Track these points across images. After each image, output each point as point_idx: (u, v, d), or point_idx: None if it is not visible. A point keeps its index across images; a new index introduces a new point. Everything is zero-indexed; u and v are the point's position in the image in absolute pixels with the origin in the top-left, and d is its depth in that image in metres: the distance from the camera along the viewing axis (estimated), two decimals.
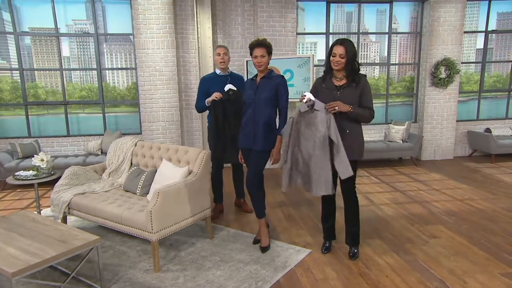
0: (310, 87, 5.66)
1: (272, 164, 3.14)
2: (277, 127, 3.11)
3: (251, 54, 3.04)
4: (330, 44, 2.91)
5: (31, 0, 5.80)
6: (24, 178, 3.76)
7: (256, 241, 3.30)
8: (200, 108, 3.75)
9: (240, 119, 3.26)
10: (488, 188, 4.94)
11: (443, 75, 6.50)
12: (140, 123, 6.17)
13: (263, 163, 3.15)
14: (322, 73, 2.92)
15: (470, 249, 3.15)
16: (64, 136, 6.08)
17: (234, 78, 3.81)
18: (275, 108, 3.10)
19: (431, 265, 2.89)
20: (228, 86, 3.52)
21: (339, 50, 2.69)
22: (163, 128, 5.99)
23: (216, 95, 3.48)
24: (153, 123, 5.95)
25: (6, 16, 5.75)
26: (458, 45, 6.54)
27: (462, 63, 6.78)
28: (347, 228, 3.08)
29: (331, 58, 2.76)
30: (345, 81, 2.80)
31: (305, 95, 2.66)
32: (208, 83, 3.72)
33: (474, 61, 7.09)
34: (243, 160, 3.32)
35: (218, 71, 3.80)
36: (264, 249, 3.14)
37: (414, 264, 2.91)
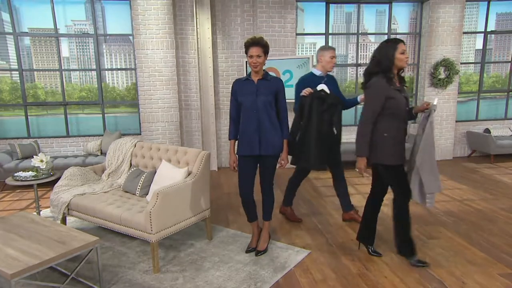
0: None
1: (279, 167, 3.07)
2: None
3: (246, 53, 2.88)
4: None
5: (31, 1, 5.81)
6: (23, 179, 3.76)
7: (250, 250, 3.16)
8: (297, 109, 3.46)
9: (323, 122, 3.15)
10: (487, 189, 4.94)
11: (442, 76, 6.51)
12: (140, 124, 6.18)
13: (275, 168, 3.05)
14: (374, 75, 2.68)
15: (469, 250, 3.15)
16: (64, 137, 6.08)
17: (330, 78, 3.61)
18: (275, 111, 2.97)
19: (430, 265, 2.89)
20: (321, 86, 3.31)
21: (405, 48, 2.63)
22: (163, 128, 5.99)
23: (306, 91, 3.28)
24: (153, 123, 5.95)
25: (6, 16, 5.75)
26: (457, 46, 6.54)
27: (461, 63, 6.79)
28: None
29: (401, 56, 2.61)
30: (398, 82, 2.71)
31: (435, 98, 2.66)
32: (309, 84, 3.41)
33: (473, 61, 7.10)
34: (236, 168, 3.06)
35: (318, 72, 3.55)
36: (260, 253, 3.10)
37: None
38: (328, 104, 3.24)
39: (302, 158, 3.29)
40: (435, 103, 2.72)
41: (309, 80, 3.50)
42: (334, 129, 3.34)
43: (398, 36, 6.81)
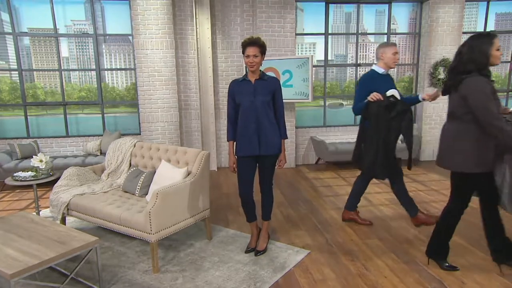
0: (310, 87, 5.71)
1: (278, 167, 3.07)
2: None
3: (243, 53, 2.86)
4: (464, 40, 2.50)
5: (30, 1, 5.81)
6: (23, 179, 3.76)
7: (250, 250, 3.16)
8: (359, 110, 3.29)
9: (391, 131, 3.01)
10: None
11: (441, 76, 6.51)
12: (139, 124, 6.17)
13: (274, 168, 3.06)
14: (464, 74, 2.44)
15: (468, 250, 3.16)
16: (63, 137, 6.08)
17: (390, 78, 3.47)
18: (273, 111, 2.96)
19: (429, 265, 2.89)
20: (392, 92, 3.12)
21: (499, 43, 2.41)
22: (162, 128, 5.99)
23: (374, 96, 3.08)
24: (152, 123, 5.95)
25: (5, 16, 5.75)
26: (456, 46, 6.47)
27: None
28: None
29: (496, 52, 2.42)
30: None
31: None
32: (373, 83, 3.26)
33: None
34: (235, 170, 3.05)
35: (380, 70, 3.35)
36: (260, 253, 3.10)
37: (412, 264, 2.92)
38: (397, 111, 3.04)
39: (366, 166, 3.19)
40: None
41: (373, 79, 3.32)
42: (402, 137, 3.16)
43: (397, 36, 6.84)
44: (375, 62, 3.45)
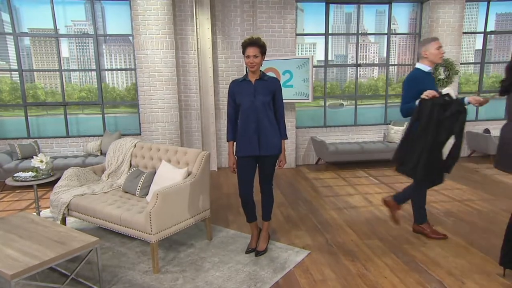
0: (310, 88, 5.71)
1: (278, 168, 3.07)
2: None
3: (243, 53, 2.86)
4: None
5: (31, 1, 5.81)
6: (23, 180, 3.76)
7: (250, 250, 3.16)
8: (408, 110, 3.13)
9: (442, 131, 2.86)
10: (487, 189, 4.95)
11: (442, 76, 6.51)
12: (140, 124, 6.18)
13: (274, 168, 3.05)
14: None
15: (468, 250, 3.16)
16: (64, 137, 6.09)
17: (433, 77, 3.35)
18: (273, 112, 2.97)
19: (429, 266, 2.89)
20: (447, 90, 2.96)
21: None
22: (163, 128, 6.00)
23: (430, 93, 2.90)
24: (153, 123, 5.95)
25: (6, 17, 5.76)
26: (457, 46, 6.55)
27: (461, 63, 6.80)
28: None
29: None
30: None
31: None
32: (422, 82, 3.11)
33: (473, 61, 7.11)
34: (235, 170, 3.04)
35: (427, 68, 3.18)
36: (260, 253, 3.11)
37: (412, 265, 2.92)
38: (452, 111, 2.86)
39: (408, 166, 3.01)
40: None
41: (420, 78, 3.14)
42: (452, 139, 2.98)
43: (397, 36, 6.84)
44: (417, 61, 3.24)
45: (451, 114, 2.87)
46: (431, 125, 2.88)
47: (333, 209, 4.26)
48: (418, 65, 3.23)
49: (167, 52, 5.79)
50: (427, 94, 2.92)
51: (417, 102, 3.01)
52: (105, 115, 6.24)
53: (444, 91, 2.97)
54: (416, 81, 3.13)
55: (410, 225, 3.70)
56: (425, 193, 3.42)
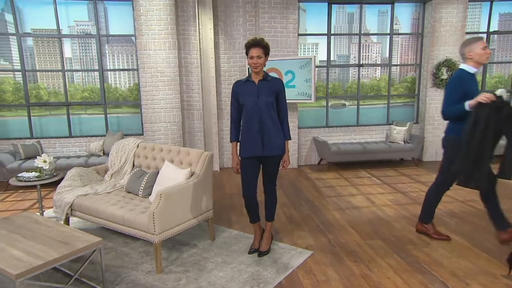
0: (312, 88, 5.71)
1: (282, 168, 3.08)
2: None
3: (246, 54, 2.87)
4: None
5: (34, 2, 5.82)
6: (27, 180, 3.77)
7: (253, 251, 3.16)
8: (454, 113, 3.00)
9: (494, 136, 2.77)
10: None
11: (444, 76, 6.50)
12: (142, 124, 6.19)
13: (278, 169, 3.05)
14: None
15: (472, 251, 3.15)
16: (66, 137, 6.10)
17: (476, 78, 3.20)
18: (276, 112, 2.96)
19: (433, 267, 2.89)
20: (501, 92, 2.83)
21: None
22: (165, 129, 6.00)
23: (486, 97, 2.76)
24: (155, 124, 5.96)
25: (9, 17, 5.77)
26: (459, 46, 6.52)
27: None
28: None
29: None
30: None
31: None
32: (466, 83, 2.99)
33: None
34: (239, 171, 3.04)
35: (473, 69, 3.04)
36: (263, 254, 3.11)
37: (416, 265, 2.91)
38: (505, 114, 2.75)
39: (480, 181, 2.91)
40: None
41: (465, 79, 3.02)
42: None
43: (400, 36, 6.83)
44: (462, 61, 3.13)
45: (506, 116, 2.75)
46: (489, 130, 2.78)
47: (335, 210, 4.26)
48: (463, 66, 3.11)
49: (169, 52, 5.80)
50: (484, 98, 2.78)
51: (467, 106, 2.89)
52: (108, 115, 6.25)
53: (498, 92, 2.82)
54: (461, 83, 3.01)
55: (412, 226, 3.70)
56: (442, 194, 3.37)
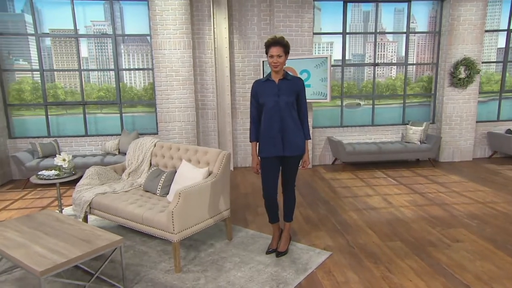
0: (328, 87, 5.66)
1: (302, 168, 3.06)
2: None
3: (266, 53, 2.82)
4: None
5: (52, 2, 5.90)
6: (47, 178, 3.82)
7: (271, 251, 3.13)
8: None
9: None
10: (511, 191, 4.82)
11: (462, 75, 6.37)
12: (157, 123, 6.22)
13: (297, 169, 3.03)
14: None
15: (495, 254, 3.07)
16: (82, 136, 6.17)
17: None
18: (296, 112, 2.93)
19: (455, 269, 2.83)
20: None
21: None
22: (179, 128, 6.03)
23: None
24: (169, 123, 5.99)
25: (28, 18, 5.87)
26: (478, 45, 6.39)
27: (482, 62, 6.63)
28: None
29: None
30: None
31: None
32: None
33: (495, 60, 6.93)
34: (258, 171, 3.01)
35: None
36: (281, 254, 3.08)
37: (437, 268, 2.86)
38: None
39: None
40: None
41: None
42: None
43: (416, 35, 6.72)
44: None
45: None
46: None
47: (352, 210, 4.21)
48: None
49: (184, 52, 5.81)
50: None
51: None
52: (123, 115, 6.30)
53: None
54: None
55: (432, 227, 3.63)
56: None
